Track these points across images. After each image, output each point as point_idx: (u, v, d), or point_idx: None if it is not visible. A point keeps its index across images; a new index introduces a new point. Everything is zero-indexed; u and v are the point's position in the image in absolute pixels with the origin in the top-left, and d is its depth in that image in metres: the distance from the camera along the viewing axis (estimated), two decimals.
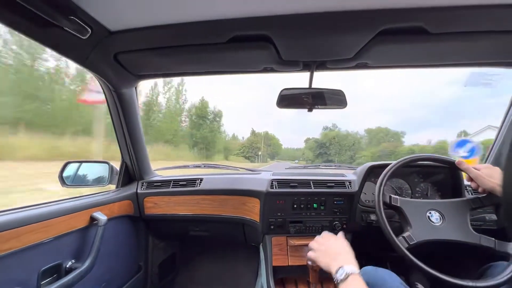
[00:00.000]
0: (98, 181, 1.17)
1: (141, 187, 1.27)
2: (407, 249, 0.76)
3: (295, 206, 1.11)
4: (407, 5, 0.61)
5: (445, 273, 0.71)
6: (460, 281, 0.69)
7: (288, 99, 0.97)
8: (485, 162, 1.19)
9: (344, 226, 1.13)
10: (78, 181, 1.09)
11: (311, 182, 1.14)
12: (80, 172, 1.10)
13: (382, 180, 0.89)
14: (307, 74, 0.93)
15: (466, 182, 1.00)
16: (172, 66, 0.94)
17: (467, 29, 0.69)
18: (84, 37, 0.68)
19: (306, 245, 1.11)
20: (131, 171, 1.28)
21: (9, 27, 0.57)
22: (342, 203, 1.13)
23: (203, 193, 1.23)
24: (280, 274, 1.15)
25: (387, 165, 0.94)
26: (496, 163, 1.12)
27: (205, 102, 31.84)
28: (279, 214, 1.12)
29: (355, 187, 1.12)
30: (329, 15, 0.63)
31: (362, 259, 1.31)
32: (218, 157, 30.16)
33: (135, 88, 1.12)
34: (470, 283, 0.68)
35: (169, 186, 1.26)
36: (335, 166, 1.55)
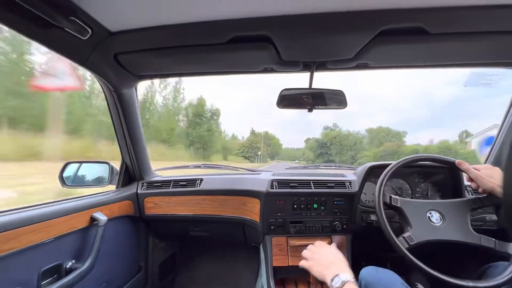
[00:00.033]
0: (98, 181, 1.17)
1: (141, 187, 1.27)
2: (407, 249, 0.76)
3: (295, 206, 1.11)
4: (407, 6, 0.61)
5: (445, 273, 0.71)
6: (461, 282, 0.69)
7: (288, 99, 0.97)
8: (485, 163, 1.19)
9: (345, 226, 1.13)
10: (78, 181, 1.09)
11: (311, 183, 1.14)
12: (80, 173, 1.10)
13: (382, 180, 0.89)
14: (307, 75, 0.93)
15: (466, 183, 1.00)
16: (172, 66, 0.95)
17: (466, 30, 0.69)
18: (84, 38, 0.68)
19: (307, 245, 1.11)
20: (131, 172, 1.28)
21: (9, 28, 0.57)
22: (342, 204, 1.13)
23: (203, 193, 1.23)
24: (280, 274, 1.15)
25: (387, 165, 0.94)
26: (496, 163, 1.12)
27: (202, 100, 30.31)
28: (279, 214, 1.12)
29: (355, 188, 1.12)
30: (329, 16, 0.63)
31: (362, 260, 1.32)
32: (216, 157, 29.01)
33: (135, 88, 1.13)
34: (470, 283, 0.68)
35: (169, 186, 1.26)
36: (335, 166, 1.55)
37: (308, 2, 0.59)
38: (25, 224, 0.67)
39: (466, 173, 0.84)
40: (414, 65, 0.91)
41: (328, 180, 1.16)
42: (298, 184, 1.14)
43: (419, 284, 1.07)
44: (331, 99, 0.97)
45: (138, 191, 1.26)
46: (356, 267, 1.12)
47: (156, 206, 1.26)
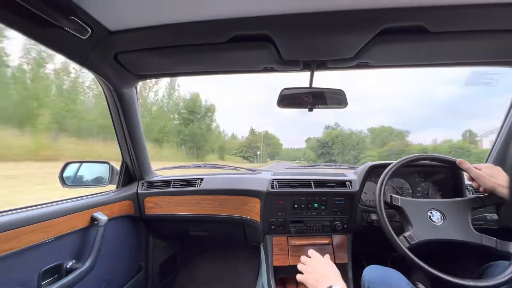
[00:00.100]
0: (99, 181, 1.17)
1: (142, 187, 1.27)
2: (408, 248, 0.76)
3: (295, 206, 1.11)
4: (408, 4, 0.60)
5: (446, 272, 0.71)
6: (461, 281, 0.68)
7: (289, 99, 0.97)
8: (486, 162, 1.19)
9: (345, 226, 1.13)
10: (78, 181, 1.09)
11: (312, 182, 1.14)
12: (80, 173, 1.10)
13: (383, 180, 0.89)
14: (307, 74, 0.93)
15: (467, 182, 1.00)
16: (172, 66, 0.94)
17: (467, 28, 0.68)
18: (84, 37, 0.68)
19: (307, 245, 1.12)
20: (132, 171, 1.28)
21: (9, 27, 0.57)
22: (342, 203, 1.13)
23: (204, 193, 1.23)
24: (281, 274, 1.15)
25: (387, 164, 0.94)
26: (497, 162, 1.12)
27: (195, 94, 27.50)
28: (280, 214, 1.12)
29: (355, 187, 1.12)
30: (330, 15, 0.63)
31: (363, 259, 1.32)
32: (212, 157, 26.80)
33: (135, 88, 1.12)
34: (471, 283, 0.68)
35: (170, 186, 1.26)
36: (335, 165, 1.55)
37: (309, 1, 0.59)
38: (25, 224, 0.67)
39: (467, 172, 0.84)
40: (414, 64, 0.91)
41: (329, 179, 1.16)
42: (299, 183, 1.14)
43: (419, 284, 1.07)
44: (332, 98, 0.97)
45: (138, 191, 1.25)
46: (356, 267, 1.13)
47: (157, 206, 1.26)
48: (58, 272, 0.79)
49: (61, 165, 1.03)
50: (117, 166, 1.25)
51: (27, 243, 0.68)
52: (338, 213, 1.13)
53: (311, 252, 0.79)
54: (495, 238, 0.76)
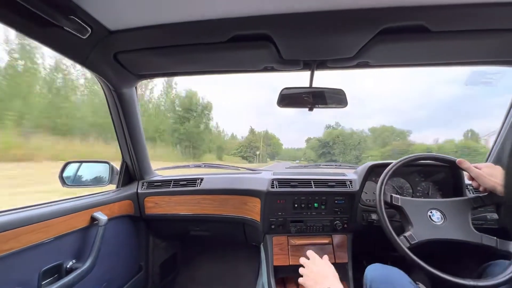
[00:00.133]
0: (99, 181, 1.17)
1: (142, 187, 1.27)
2: (409, 248, 0.76)
3: (295, 205, 1.11)
4: (408, 4, 0.60)
5: (446, 272, 0.71)
6: (462, 280, 0.68)
7: (289, 98, 0.97)
8: (487, 161, 1.19)
9: (345, 225, 1.13)
10: (78, 181, 1.09)
11: (312, 182, 1.14)
12: (80, 172, 1.10)
13: (383, 180, 0.89)
14: (307, 73, 0.93)
15: (467, 181, 1.00)
16: (172, 65, 0.94)
17: (468, 28, 0.68)
18: (84, 37, 0.68)
19: (307, 244, 1.11)
20: (132, 171, 1.27)
21: (9, 27, 0.57)
22: (343, 203, 1.13)
23: (204, 193, 1.23)
24: (281, 274, 1.15)
25: (387, 164, 0.94)
26: (497, 162, 1.12)
27: (191, 92, 26.18)
28: (280, 213, 1.12)
29: (356, 187, 1.12)
30: (330, 14, 0.63)
31: (363, 259, 1.32)
32: (209, 157, 25.72)
33: (135, 88, 1.12)
34: (471, 282, 0.68)
35: (170, 186, 1.26)
36: (335, 165, 1.55)
37: (309, 1, 0.59)
38: (24, 224, 0.67)
39: (467, 172, 0.84)
40: (415, 63, 0.91)
41: (329, 179, 1.16)
42: (299, 183, 1.14)
43: (420, 283, 1.07)
44: (332, 98, 0.97)
45: (139, 191, 1.25)
46: (356, 266, 1.13)
47: (157, 206, 1.25)
48: (58, 272, 0.79)
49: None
50: (117, 165, 1.25)
51: (27, 243, 0.68)
52: (338, 212, 1.13)
53: (310, 253, 0.80)
54: (495, 238, 0.76)
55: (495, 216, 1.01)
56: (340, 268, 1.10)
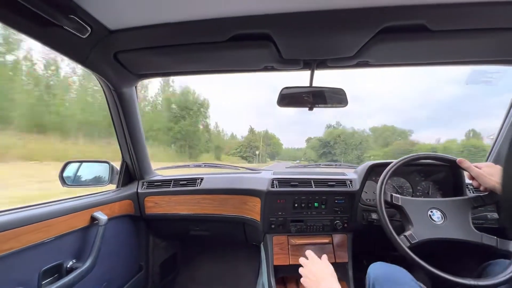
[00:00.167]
0: (99, 181, 1.17)
1: (142, 187, 1.27)
2: (409, 248, 0.76)
3: (296, 205, 1.11)
4: (409, 3, 0.60)
5: (447, 271, 0.71)
6: (462, 280, 0.68)
7: (289, 98, 0.97)
8: (487, 161, 1.19)
9: (345, 225, 1.13)
10: (78, 181, 1.09)
11: (312, 181, 1.14)
12: (81, 172, 1.10)
13: (383, 179, 0.89)
14: (307, 73, 0.93)
15: (467, 181, 1.00)
16: (172, 65, 0.94)
17: (468, 27, 0.68)
18: (84, 36, 0.68)
19: (307, 244, 1.11)
20: (132, 171, 1.27)
21: (9, 27, 0.57)
22: (343, 202, 1.13)
23: (204, 193, 1.23)
24: (281, 273, 1.15)
25: (388, 163, 0.94)
26: (497, 161, 1.12)
27: (187, 88, 24.71)
28: (280, 213, 1.12)
29: (356, 186, 1.12)
30: (330, 13, 0.63)
31: (363, 258, 1.32)
32: (207, 157, 24.44)
33: (135, 87, 1.12)
34: (471, 282, 0.68)
35: (170, 185, 1.26)
36: (335, 164, 1.55)
37: (309, 0, 0.59)
38: (23, 224, 0.67)
39: (467, 171, 0.84)
40: (415, 62, 0.91)
41: (329, 178, 1.16)
42: (299, 182, 1.14)
43: (420, 283, 1.07)
44: (332, 97, 0.96)
45: (139, 191, 1.25)
46: (357, 266, 1.13)
47: (157, 206, 1.25)
48: (58, 271, 0.79)
49: None
50: (117, 165, 1.25)
51: (26, 242, 0.68)
52: (339, 212, 1.13)
53: (308, 253, 0.80)
54: (495, 237, 0.76)
55: (496, 215, 1.01)
56: (340, 267, 1.10)
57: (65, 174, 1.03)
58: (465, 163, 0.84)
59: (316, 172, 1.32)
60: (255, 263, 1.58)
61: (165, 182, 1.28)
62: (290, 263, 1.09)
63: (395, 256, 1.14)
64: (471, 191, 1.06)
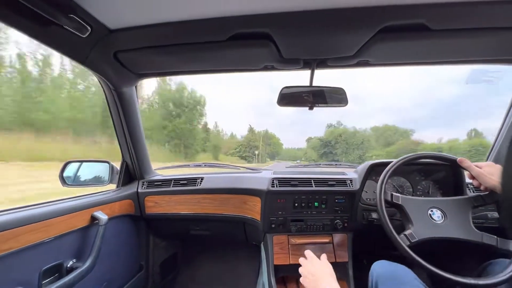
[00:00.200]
0: (99, 180, 1.17)
1: (142, 187, 1.27)
2: (409, 247, 0.76)
3: (296, 204, 1.11)
4: (409, 2, 0.60)
5: (447, 270, 0.71)
6: (462, 279, 0.68)
7: (289, 97, 0.97)
8: (487, 160, 1.19)
9: (346, 224, 1.13)
10: (78, 180, 1.09)
11: (312, 181, 1.14)
12: (81, 172, 1.10)
13: (384, 178, 0.89)
14: (307, 72, 0.93)
15: (467, 180, 1.00)
16: (172, 64, 0.94)
17: (468, 26, 0.68)
18: (83, 36, 0.68)
19: (307, 243, 1.11)
20: (132, 171, 1.27)
21: (9, 26, 0.57)
22: (343, 202, 1.13)
23: (204, 192, 1.23)
24: (281, 273, 1.15)
25: (388, 163, 0.94)
26: (497, 161, 1.12)
27: (182, 85, 23.29)
28: (280, 212, 1.12)
29: (356, 186, 1.12)
30: (330, 13, 0.63)
31: (364, 257, 1.32)
32: (204, 157, 23.36)
33: (135, 87, 1.12)
34: (471, 281, 0.68)
35: (170, 185, 1.26)
36: (336, 164, 1.55)
37: None
38: (23, 223, 0.67)
39: (468, 171, 0.84)
40: (415, 62, 0.91)
41: (329, 178, 1.16)
42: (299, 182, 1.14)
43: (423, 282, 1.07)
44: (332, 96, 0.96)
45: (139, 190, 1.25)
46: (357, 265, 1.13)
47: (157, 205, 1.25)
48: (58, 271, 0.79)
49: None
50: (117, 165, 1.25)
51: (26, 242, 0.68)
52: (339, 211, 1.13)
53: (307, 252, 0.80)
54: (495, 236, 0.76)
55: (496, 215, 1.01)
56: (340, 267, 1.10)
57: (65, 174, 1.03)
58: (466, 162, 0.84)
59: (316, 172, 1.32)
60: (255, 262, 1.58)
61: (165, 182, 1.27)
62: (290, 262, 1.09)
63: (395, 255, 1.14)
64: (471, 191, 1.06)
